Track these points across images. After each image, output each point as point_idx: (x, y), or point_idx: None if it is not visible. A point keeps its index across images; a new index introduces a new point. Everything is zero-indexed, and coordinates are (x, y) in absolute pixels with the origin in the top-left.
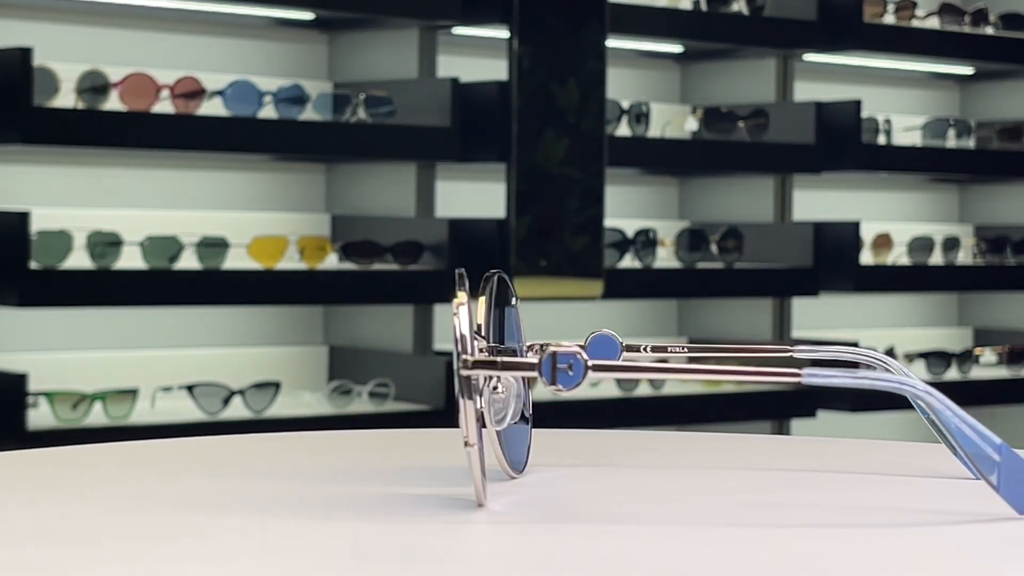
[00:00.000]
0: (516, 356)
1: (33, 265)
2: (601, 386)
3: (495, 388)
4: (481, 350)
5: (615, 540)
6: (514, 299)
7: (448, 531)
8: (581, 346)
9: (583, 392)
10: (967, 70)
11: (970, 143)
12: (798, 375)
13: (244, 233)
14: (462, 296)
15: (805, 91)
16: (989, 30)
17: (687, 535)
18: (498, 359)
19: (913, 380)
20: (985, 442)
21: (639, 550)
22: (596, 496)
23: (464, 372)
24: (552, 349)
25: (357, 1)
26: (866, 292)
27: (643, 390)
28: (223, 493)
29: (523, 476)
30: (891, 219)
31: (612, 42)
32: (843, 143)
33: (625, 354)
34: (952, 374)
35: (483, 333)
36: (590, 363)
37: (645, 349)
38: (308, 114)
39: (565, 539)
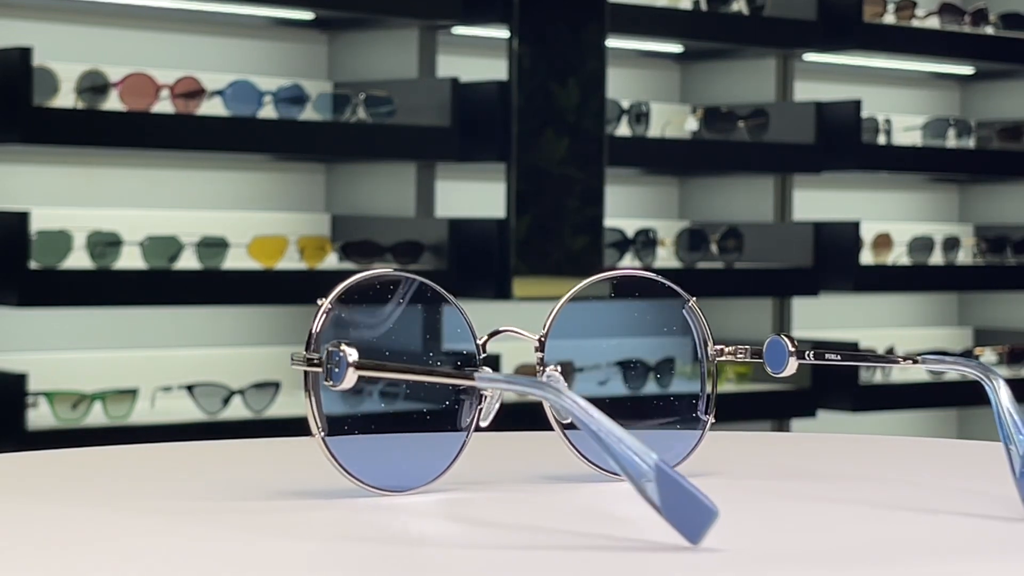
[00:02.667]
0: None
1: (33, 265)
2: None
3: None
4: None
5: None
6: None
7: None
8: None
9: (593, 390)
10: (967, 70)
11: (970, 143)
12: (471, 378)
13: (244, 233)
14: (323, 302)
15: (805, 91)
16: (989, 30)
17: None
18: (315, 356)
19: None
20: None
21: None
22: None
23: (294, 367)
24: (329, 348)
25: (357, 1)
26: (866, 292)
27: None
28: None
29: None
30: (891, 219)
31: (612, 42)
32: (843, 143)
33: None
34: (952, 374)
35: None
36: (351, 361)
37: (807, 355)
38: (308, 114)
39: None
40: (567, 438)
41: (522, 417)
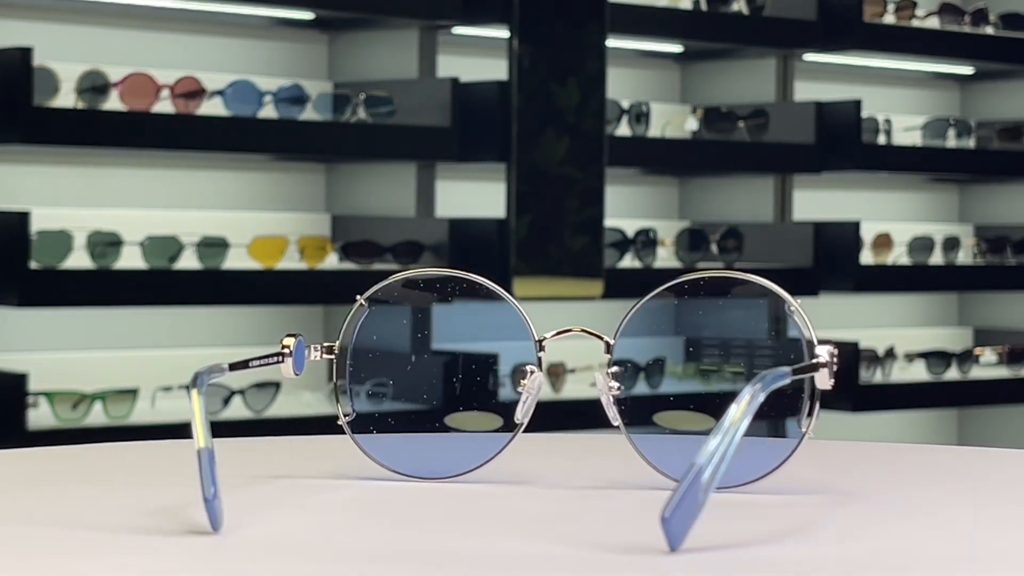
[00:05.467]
0: None
1: (33, 265)
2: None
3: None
4: None
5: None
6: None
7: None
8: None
9: (586, 392)
10: (967, 70)
11: (970, 143)
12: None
13: (244, 233)
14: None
15: (805, 91)
16: (989, 30)
17: None
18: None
19: None
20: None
21: None
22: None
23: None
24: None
25: (357, 1)
26: (866, 292)
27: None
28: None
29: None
30: (891, 219)
31: (612, 42)
32: (843, 143)
33: None
34: (952, 374)
35: None
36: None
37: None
38: (308, 114)
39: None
40: (631, 440)
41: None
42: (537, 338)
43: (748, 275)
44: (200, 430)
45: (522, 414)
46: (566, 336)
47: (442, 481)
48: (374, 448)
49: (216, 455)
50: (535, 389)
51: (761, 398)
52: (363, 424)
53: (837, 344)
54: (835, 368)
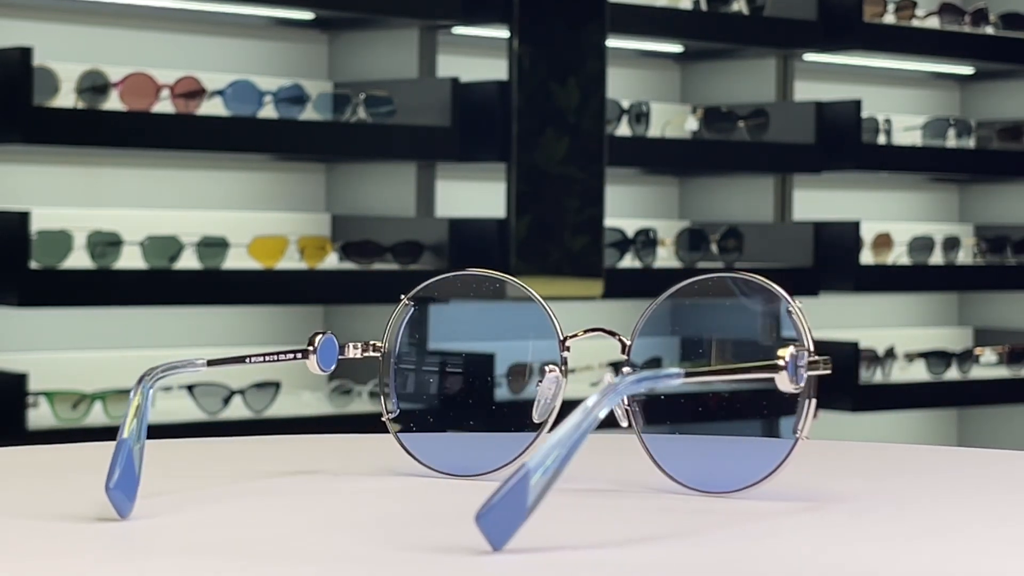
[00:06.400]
0: None
1: (33, 265)
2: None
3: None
4: None
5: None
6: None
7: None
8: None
9: (587, 392)
10: (967, 70)
11: (970, 143)
12: None
13: (244, 233)
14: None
15: (805, 91)
16: (989, 30)
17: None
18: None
19: None
20: None
21: None
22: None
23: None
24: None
25: (357, 1)
26: (866, 292)
27: None
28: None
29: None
30: (891, 219)
31: (612, 42)
32: (843, 143)
33: None
34: (952, 374)
35: None
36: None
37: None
38: (308, 114)
39: None
40: (643, 442)
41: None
42: (561, 338)
43: (751, 275)
44: (128, 422)
45: (539, 415)
46: (590, 336)
47: (471, 479)
48: (413, 446)
49: (143, 452)
50: (551, 389)
51: (614, 399)
52: (404, 421)
53: (838, 344)
54: (803, 371)
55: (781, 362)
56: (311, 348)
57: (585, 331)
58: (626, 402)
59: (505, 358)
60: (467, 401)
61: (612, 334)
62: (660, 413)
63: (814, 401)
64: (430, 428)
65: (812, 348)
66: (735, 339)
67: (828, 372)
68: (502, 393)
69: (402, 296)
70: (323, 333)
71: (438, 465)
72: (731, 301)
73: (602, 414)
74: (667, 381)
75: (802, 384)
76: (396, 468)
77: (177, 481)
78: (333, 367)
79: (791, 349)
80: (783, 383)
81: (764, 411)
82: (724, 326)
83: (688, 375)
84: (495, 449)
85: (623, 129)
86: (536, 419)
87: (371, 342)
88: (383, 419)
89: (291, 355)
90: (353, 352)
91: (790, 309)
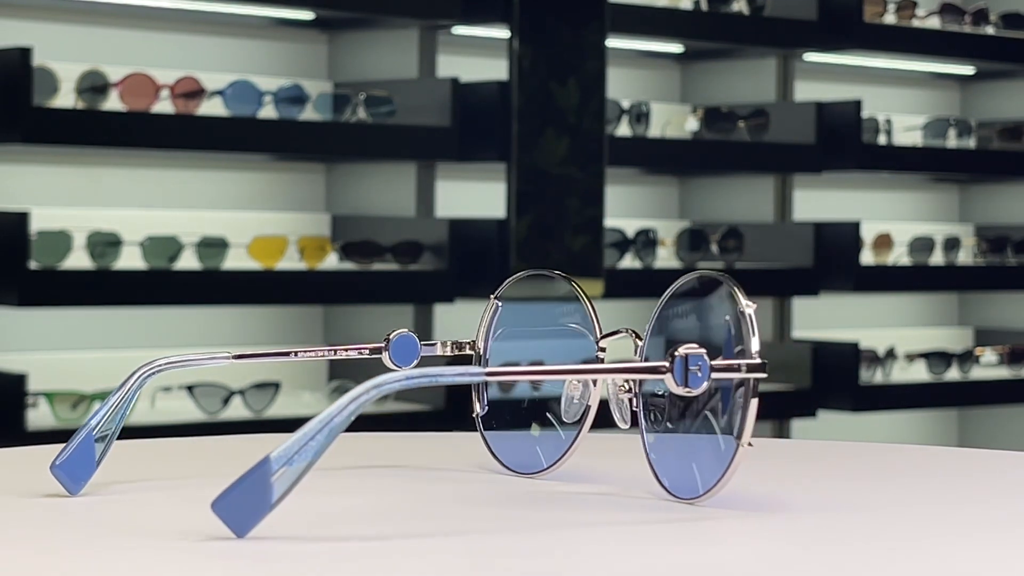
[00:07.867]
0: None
1: (33, 265)
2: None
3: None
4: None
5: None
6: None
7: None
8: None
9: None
10: (968, 70)
11: (971, 143)
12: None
13: (244, 233)
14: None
15: (805, 91)
16: (990, 30)
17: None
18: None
19: None
20: None
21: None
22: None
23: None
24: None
25: (357, 1)
26: (866, 292)
27: None
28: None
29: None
30: (891, 219)
31: (612, 42)
32: (843, 143)
33: None
34: (952, 374)
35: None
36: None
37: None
38: (308, 114)
39: None
40: (644, 441)
41: None
42: (598, 337)
43: (717, 274)
44: (104, 411)
45: (570, 415)
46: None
47: (531, 477)
48: (494, 443)
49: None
50: (580, 389)
51: (369, 396)
52: (489, 419)
53: (838, 344)
54: (700, 374)
55: (666, 364)
56: (384, 344)
57: (610, 333)
58: (632, 404)
59: (549, 357)
60: (542, 400)
61: (636, 335)
62: (653, 414)
63: (753, 403)
64: (512, 427)
65: (755, 351)
66: (697, 340)
67: (760, 376)
68: (554, 390)
69: (491, 296)
70: (401, 331)
71: (516, 465)
72: (695, 302)
73: (352, 414)
74: (393, 384)
75: (700, 388)
76: (387, 464)
77: (177, 477)
78: (412, 364)
79: (682, 350)
80: (670, 383)
81: (707, 414)
82: (686, 327)
83: (490, 375)
84: (557, 447)
85: (623, 129)
86: (567, 419)
87: (454, 341)
88: (473, 415)
89: (362, 352)
90: (442, 350)
91: (742, 311)
